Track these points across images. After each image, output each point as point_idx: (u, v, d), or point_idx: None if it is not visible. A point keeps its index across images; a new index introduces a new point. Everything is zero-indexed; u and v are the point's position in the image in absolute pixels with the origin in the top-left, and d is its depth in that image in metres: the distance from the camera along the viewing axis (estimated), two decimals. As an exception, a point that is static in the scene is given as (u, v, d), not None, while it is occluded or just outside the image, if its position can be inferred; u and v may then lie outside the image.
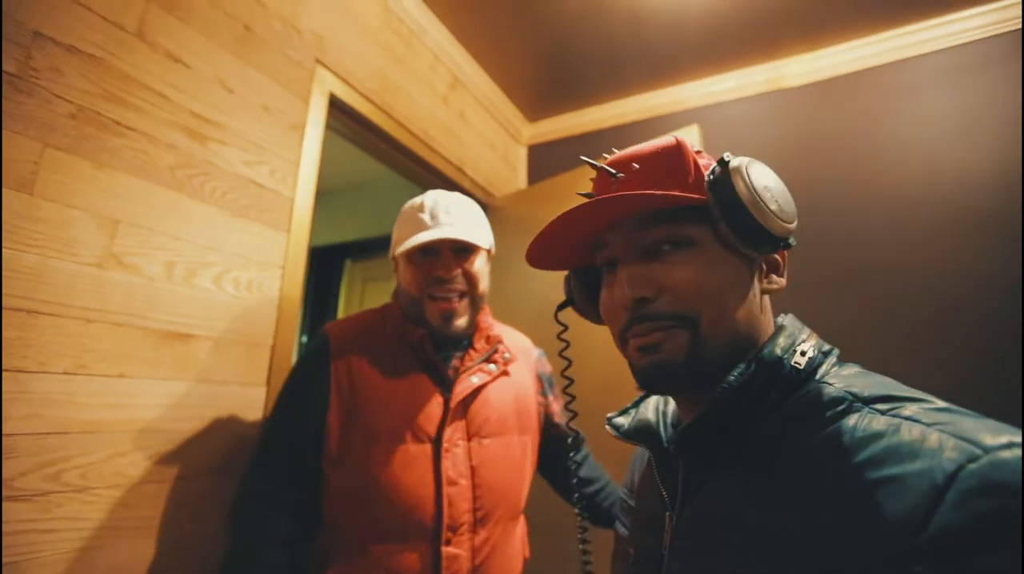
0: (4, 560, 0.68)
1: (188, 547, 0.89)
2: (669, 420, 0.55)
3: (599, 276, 0.53)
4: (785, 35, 1.75)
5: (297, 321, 1.17)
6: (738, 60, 1.88)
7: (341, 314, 2.62)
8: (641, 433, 0.53)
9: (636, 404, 0.58)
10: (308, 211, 1.20)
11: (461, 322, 0.92)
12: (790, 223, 0.45)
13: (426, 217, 0.91)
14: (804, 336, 0.47)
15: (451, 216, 0.92)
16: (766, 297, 0.49)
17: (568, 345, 0.60)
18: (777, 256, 0.49)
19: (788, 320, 0.49)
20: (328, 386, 0.89)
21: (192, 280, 0.94)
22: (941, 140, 1.58)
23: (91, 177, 0.82)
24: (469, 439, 0.90)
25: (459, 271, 0.92)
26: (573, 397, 0.64)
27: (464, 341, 0.97)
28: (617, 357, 0.50)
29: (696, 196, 0.45)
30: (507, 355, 1.00)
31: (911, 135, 1.63)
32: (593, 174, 0.52)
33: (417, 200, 0.96)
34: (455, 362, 0.95)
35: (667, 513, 0.48)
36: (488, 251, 0.98)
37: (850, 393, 0.41)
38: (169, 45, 0.95)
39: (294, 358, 1.11)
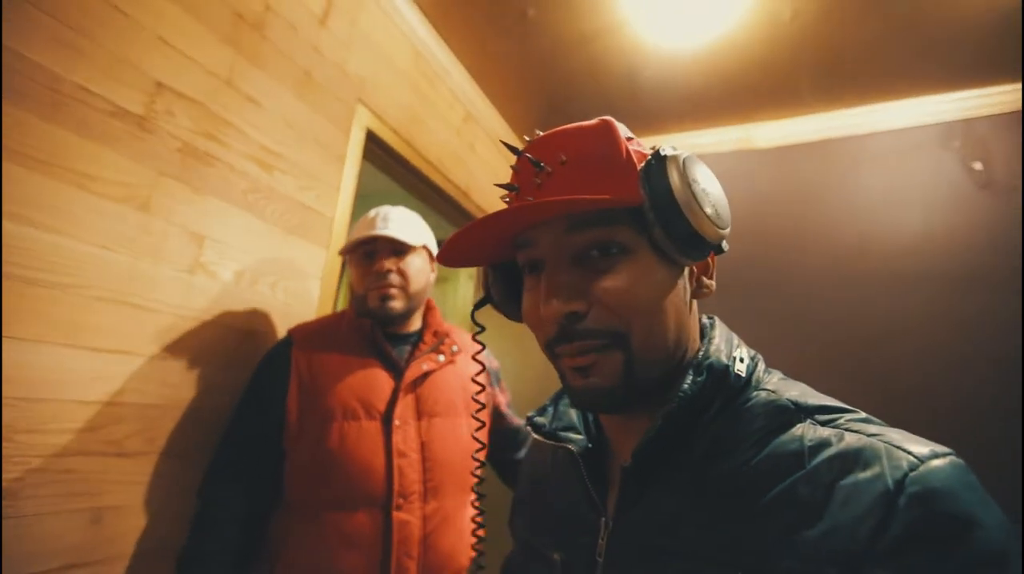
0: (110, 503, 0.86)
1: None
2: (590, 418, 0.54)
3: (519, 272, 0.49)
4: (756, 104, 2.03)
5: (327, 324, 1.36)
6: (715, 119, 2.16)
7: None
8: (566, 434, 0.52)
9: (554, 401, 0.56)
10: (344, 229, 1.40)
11: (396, 304, 1.05)
12: (724, 229, 0.43)
13: (379, 221, 1.08)
14: (736, 342, 0.47)
15: (388, 222, 1.07)
16: (695, 301, 0.48)
17: (484, 347, 0.58)
18: (708, 259, 0.47)
19: (718, 324, 0.48)
20: (288, 374, 0.99)
21: (255, 287, 1.13)
22: (878, 207, 1.88)
23: (189, 200, 1.00)
24: (419, 418, 1.01)
25: (394, 268, 1.05)
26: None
27: (414, 337, 1.11)
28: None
29: (627, 199, 0.41)
30: (455, 348, 1.12)
31: (853, 199, 1.92)
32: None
33: (369, 213, 1.12)
34: (407, 354, 1.08)
35: (600, 518, 0.46)
36: (427, 251, 1.13)
37: (792, 401, 0.42)
38: (249, 89, 1.14)
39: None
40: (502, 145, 2.34)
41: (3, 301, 0.74)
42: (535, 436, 0.54)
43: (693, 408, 0.42)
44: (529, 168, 0.44)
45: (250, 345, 1.11)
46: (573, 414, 0.54)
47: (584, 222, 0.41)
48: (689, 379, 0.42)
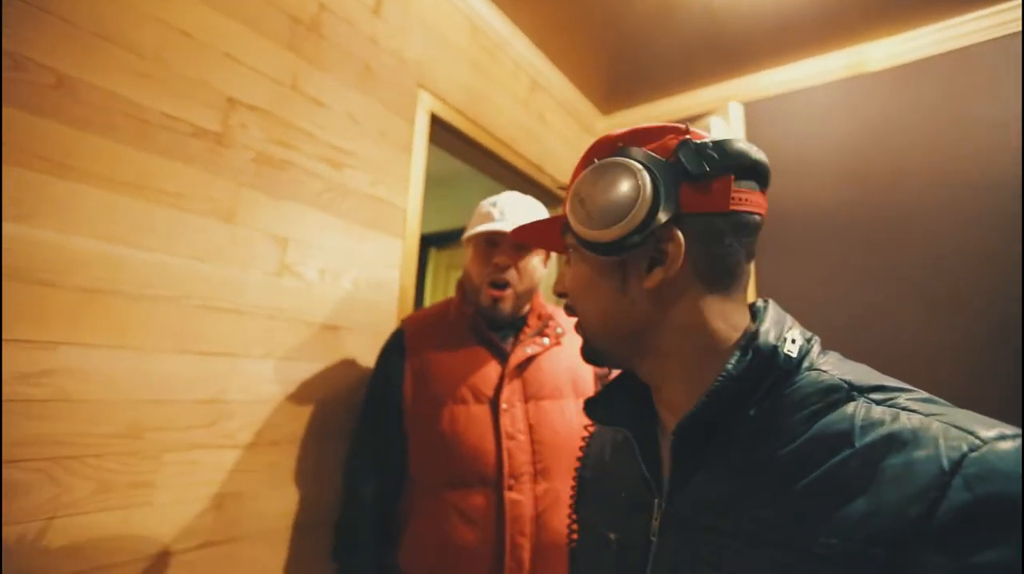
0: (230, 490, 0.95)
1: (336, 489, 1.14)
2: (643, 401, 0.56)
3: None
4: (866, 18, 1.72)
5: (411, 309, 1.39)
6: (818, 46, 1.87)
7: (427, 297, 2.88)
8: (620, 416, 0.54)
9: (609, 387, 0.58)
10: (417, 218, 1.41)
11: (507, 307, 1.05)
12: (603, 230, 0.45)
13: (496, 212, 1.06)
14: (789, 323, 0.47)
15: (517, 216, 1.05)
16: (679, 286, 0.46)
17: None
18: (652, 249, 0.46)
19: (771, 307, 0.48)
20: (403, 365, 1.06)
21: (337, 282, 1.18)
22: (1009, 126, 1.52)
23: (268, 206, 1.06)
24: (526, 402, 1.02)
25: (513, 264, 1.05)
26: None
27: (520, 321, 1.10)
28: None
29: (559, 216, 0.53)
30: (559, 330, 1.11)
31: (999, 116, 1.57)
32: None
33: (493, 198, 1.11)
34: (511, 339, 1.08)
35: (655, 499, 0.48)
36: (546, 252, 1.11)
37: (845, 381, 0.41)
38: (313, 91, 1.17)
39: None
40: (574, 114, 2.24)
41: (116, 318, 0.83)
42: (592, 420, 0.56)
43: (740, 387, 0.43)
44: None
45: (337, 339, 1.17)
46: (627, 398, 0.56)
47: (563, 230, 0.53)
48: (734, 359, 0.43)
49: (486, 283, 1.05)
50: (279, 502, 1.03)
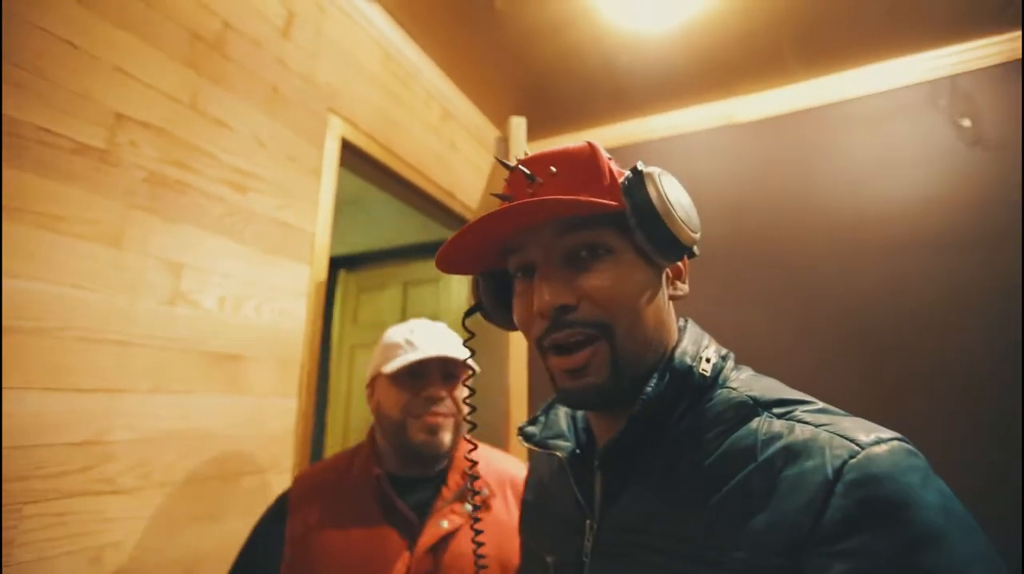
0: (109, 541, 0.86)
1: (240, 533, 1.08)
2: (579, 425, 0.57)
3: (508, 280, 0.52)
4: (738, 78, 1.99)
5: (318, 337, 1.35)
6: (696, 97, 2.12)
7: (336, 323, 2.77)
8: (555, 441, 0.54)
9: (545, 411, 0.59)
10: (326, 243, 1.39)
11: (446, 437, 0.88)
12: (696, 233, 0.47)
13: (415, 340, 0.91)
14: (706, 342, 0.49)
15: (435, 344, 0.90)
16: (671, 303, 0.51)
17: (474, 353, 0.59)
18: (681, 264, 0.52)
19: (690, 326, 0.51)
20: (281, 535, 0.84)
21: (239, 311, 1.13)
22: (869, 173, 1.85)
23: (162, 230, 0.99)
24: None
25: (447, 396, 0.90)
26: (474, 408, 0.62)
27: (437, 478, 0.89)
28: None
29: (614, 203, 0.45)
30: (485, 490, 0.89)
31: (844, 167, 1.90)
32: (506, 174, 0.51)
33: (401, 328, 0.96)
34: (428, 504, 0.86)
35: (587, 520, 0.49)
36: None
37: (751, 397, 0.44)
38: (215, 111, 1.13)
39: (316, 372, 1.30)
40: (484, 142, 2.33)
41: (-22, 353, 0.74)
42: (526, 445, 0.56)
43: (660, 409, 0.45)
44: (522, 180, 0.48)
45: (239, 369, 1.11)
46: (563, 422, 0.57)
47: (574, 226, 0.46)
48: (653, 382, 0.45)
49: (414, 413, 0.88)
50: (170, 551, 0.95)
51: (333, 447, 2.54)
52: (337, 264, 2.87)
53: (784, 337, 1.82)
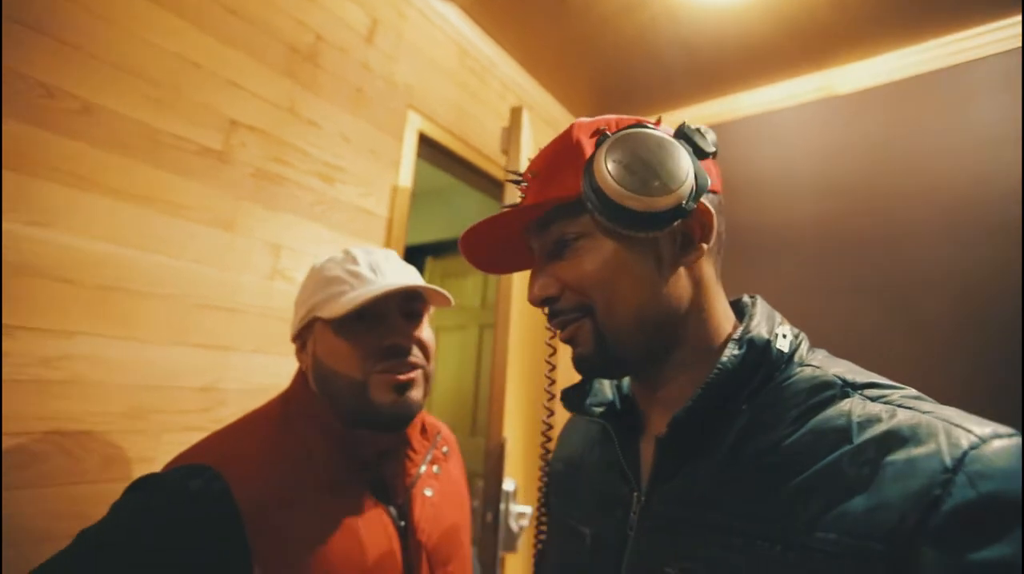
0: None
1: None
2: (626, 393, 0.56)
3: None
4: (832, 47, 1.83)
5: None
6: (788, 71, 1.98)
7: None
8: (598, 408, 0.53)
9: (589, 380, 0.56)
10: (403, 228, 1.53)
11: (418, 394, 0.69)
12: (663, 196, 0.41)
13: (361, 270, 0.69)
14: (779, 319, 0.47)
15: (393, 269, 0.71)
16: (703, 268, 0.47)
17: (555, 351, 0.59)
18: (688, 223, 0.45)
19: (759, 302, 0.49)
20: (234, 528, 0.58)
21: (326, 286, 1.30)
22: (987, 145, 1.62)
23: (264, 217, 1.18)
24: None
25: (414, 341, 0.70)
26: (553, 367, 0.62)
27: (396, 441, 0.72)
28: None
29: (564, 195, 0.45)
30: (445, 449, 0.80)
31: (958, 141, 1.67)
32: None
33: (335, 256, 0.74)
34: (393, 473, 0.70)
35: (633, 493, 0.47)
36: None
37: (839, 377, 0.41)
38: (308, 113, 1.30)
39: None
40: (560, 130, 2.36)
41: (125, 312, 0.95)
42: (570, 410, 0.56)
43: (733, 381, 0.43)
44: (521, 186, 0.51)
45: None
46: (608, 391, 0.56)
47: (545, 222, 0.47)
48: (729, 352, 0.43)
49: (377, 369, 0.66)
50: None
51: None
52: (425, 251, 3.08)
53: (884, 327, 1.66)
